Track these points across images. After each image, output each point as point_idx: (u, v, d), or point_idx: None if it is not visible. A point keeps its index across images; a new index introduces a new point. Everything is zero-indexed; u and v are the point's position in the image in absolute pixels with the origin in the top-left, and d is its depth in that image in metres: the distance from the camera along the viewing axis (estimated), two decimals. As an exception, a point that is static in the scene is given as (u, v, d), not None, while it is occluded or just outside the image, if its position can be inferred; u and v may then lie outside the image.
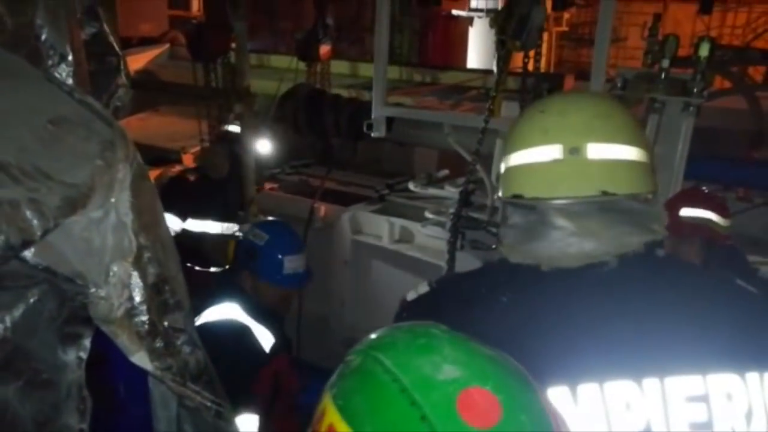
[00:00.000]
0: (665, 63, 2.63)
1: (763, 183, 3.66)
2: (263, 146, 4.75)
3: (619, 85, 2.81)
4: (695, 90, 2.67)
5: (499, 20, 2.79)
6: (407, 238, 4.09)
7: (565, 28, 11.83)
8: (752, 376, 0.94)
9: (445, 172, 4.56)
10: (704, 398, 0.93)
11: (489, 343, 0.95)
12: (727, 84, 4.20)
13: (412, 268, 3.91)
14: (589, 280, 1.02)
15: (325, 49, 5.96)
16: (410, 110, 4.38)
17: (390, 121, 4.30)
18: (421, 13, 11.48)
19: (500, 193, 1.18)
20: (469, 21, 11.05)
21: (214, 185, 4.40)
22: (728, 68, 3.77)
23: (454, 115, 4.44)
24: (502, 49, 2.94)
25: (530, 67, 3.30)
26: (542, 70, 3.67)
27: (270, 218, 2.63)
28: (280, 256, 2.40)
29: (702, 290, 1.04)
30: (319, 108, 4.75)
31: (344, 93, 5.48)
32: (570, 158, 1.03)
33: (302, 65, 6.00)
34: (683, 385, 0.93)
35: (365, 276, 4.28)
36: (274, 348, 2.31)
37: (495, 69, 3.23)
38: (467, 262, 3.35)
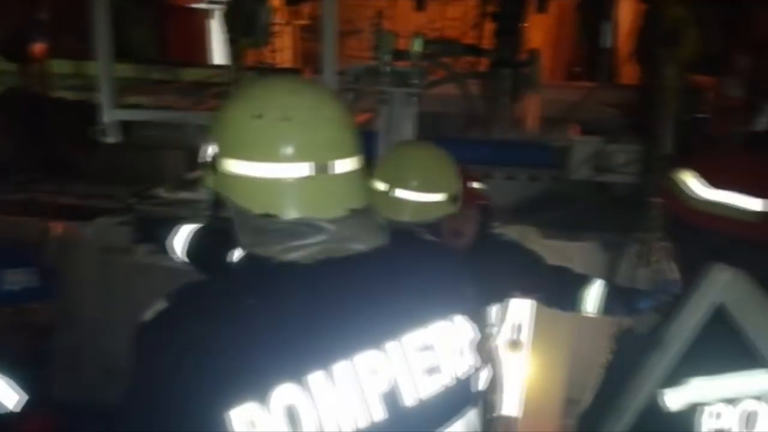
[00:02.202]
0: (387, 58, 2.85)
1: (484, 159, 4.25)
2: None
3: (351, 80, 2.99)
4: (415, 81, 2.96)
5: (227, 19, 2.76)
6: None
7: (306, 22, 12.05)
8: (458, 318, 1.16)
9: (197, 173, 4.39)
10: (430, 346, 1.11)
11: (240, 350, 0.95)
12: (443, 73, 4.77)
13: (172, 278, 3.69)
14: (344, 270, 1.07)
15: (39, 47, 5.26)
16: (148, 111, 4.11)
17: (128, 124, 4.00)
18: (157, 5, 10.76)
19: (230, 196, 1.10)
20: (210, 14, 10.68)
21: None
22: (439, 60, 4.24)
23: (198, 115, 4.27)
24: (234, 46, 2.91)
25: (271, 60, 3.34)
26: (286, 63, 3.72)
27: None
28: None
29: (418, 257, 1.22)
30: (38, 114, 4.21)
31: (69, 95, 4.92)
32: (319, 176, 1.07)
33: (12, 66, 5.23)
34: (414, 339, 1.09)
35: (120, 295, 3.93)
36: (22, 406, 1.93)
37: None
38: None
